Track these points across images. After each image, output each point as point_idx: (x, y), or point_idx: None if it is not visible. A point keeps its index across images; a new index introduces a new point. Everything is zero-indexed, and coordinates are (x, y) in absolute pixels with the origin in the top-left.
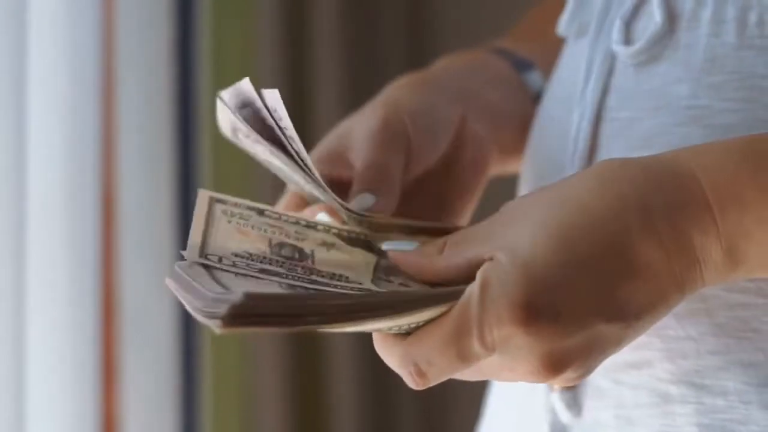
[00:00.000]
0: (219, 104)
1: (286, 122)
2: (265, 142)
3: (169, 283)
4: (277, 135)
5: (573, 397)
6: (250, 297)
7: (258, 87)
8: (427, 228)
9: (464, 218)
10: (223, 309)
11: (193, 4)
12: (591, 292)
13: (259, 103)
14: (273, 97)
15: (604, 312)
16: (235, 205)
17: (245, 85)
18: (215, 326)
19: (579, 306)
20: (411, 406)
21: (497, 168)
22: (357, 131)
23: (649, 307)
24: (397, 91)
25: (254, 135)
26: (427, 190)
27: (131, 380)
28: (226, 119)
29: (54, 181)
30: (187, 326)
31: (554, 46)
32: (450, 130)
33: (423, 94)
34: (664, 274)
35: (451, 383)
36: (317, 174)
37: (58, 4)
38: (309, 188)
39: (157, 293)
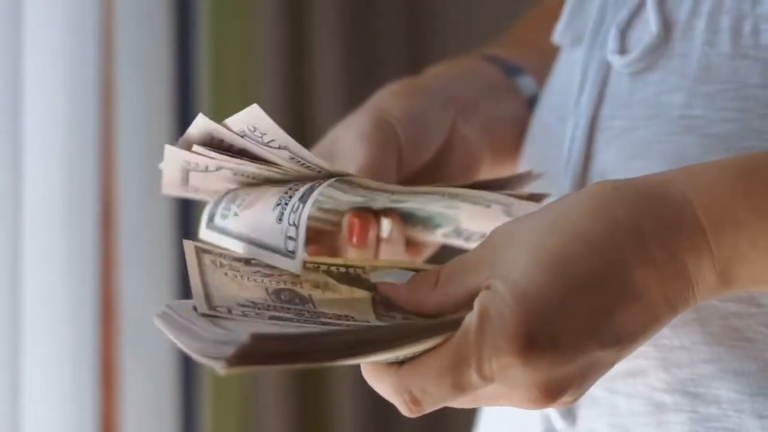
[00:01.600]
0: (166, 153)
1: (273, 134)
2: (231, 159)
3: (158, 322)
4: (257, 154)
5: (568, 407)
6: (257, 338)
7: (257, 89)
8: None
9: None
10: (227, 350)
11: (192, 6)
12: (587, 320)
13: (221, 134)
14: (255, 115)
15: (600, 339)
16: (221, 255)
17: (202, 122)
18: (218, 367)
19: (576, 334)
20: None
21: (492, 171)
22: (345, 137)
23: (643, 330)
24: (385, 99)
25: (219, 156)
26: None
27: (130, 384)
28: (174, 167)
29: (52, 184)
30: None
31: (546, 52)
32: (440, 136)
33: (411, 101)
34: (659, 298)
35: None
36: (318, 161)
37: (56, 4)
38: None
39: (156, 296)
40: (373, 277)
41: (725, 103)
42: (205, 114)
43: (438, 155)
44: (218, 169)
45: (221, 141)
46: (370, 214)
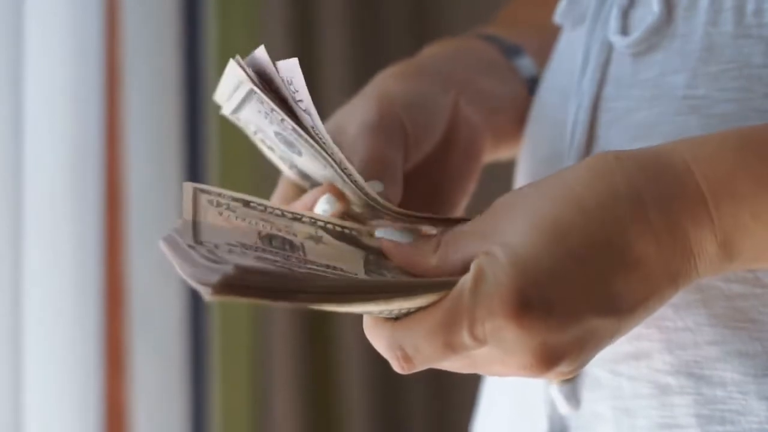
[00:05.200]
0: (231, 66)
1: (303, 94)
2: (278, 110)
3: (162, 245)
4: (292, 108)
5: (572, 390)
6: (242, 269)
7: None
8: (431, 219)
9: (460, 205)
10: (215, 277)
11: None
12: (584, 287)
13: (273, 75)
14: (289, 67)
15: (597, 306)
16: (220, 195)
17: (260, 54)
18: (205, 293)
19: (572, 300)
20: (422, 394)
21: (491, 154)
22: (350, 126)
23: (642, 301)
24: (387, 83)
25: (268, 103)
26: (422, 179)
27: (139, 370)
28: (232, 85)
29: (57, 168)
30: (196, 315)
31: (543, 31)
32: (444, 118)
33: (414, 84)
34: (658, 268)
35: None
36: (331, 144)
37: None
38: (316, 166)
39: (165, 281)
40: (377, 233)
41: (728, 83)
42: (213, 102)
43: (443, 137)
44: (266, 112)
45: (271, 81)
46: None
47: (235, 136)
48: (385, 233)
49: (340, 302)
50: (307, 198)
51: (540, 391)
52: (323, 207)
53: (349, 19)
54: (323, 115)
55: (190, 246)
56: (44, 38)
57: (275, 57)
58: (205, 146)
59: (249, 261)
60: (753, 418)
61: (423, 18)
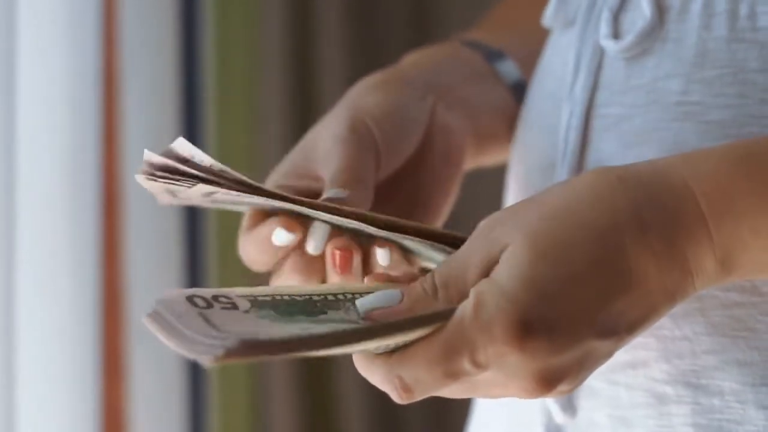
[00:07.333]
0: (143, 180)
1: (208, 160)
2: (220, 189)
3: (147, 322)
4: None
5: (568, 399)
6: (245, 344)
7: (262, 85)
8: (394, 223)
9: (443, 212)
10: (216, 351)
11: None
12: (585, 308)
13: (175, 161)
14: (183, 145)
15: (597, 328)
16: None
17: (152, 154)
18: (204, 362)
19: (572, 323)
20: (421, 401)
21: (477, 159)
22: (321, 141)
23: (640, 319)
24: (359, 95)
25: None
26: (401, 188)
27: (138, 375)
28: (158, 188)
29: (54, 172)
30: None
31: (530, 33)
32: (420, 126)
33: (387, 94)
34: (657, 287)
35: None
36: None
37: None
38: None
39: (163, 284)
40: (360, 307)
41: (723, 88)
42: (211, 106)
43: (420, 146)
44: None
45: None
46: (353, 243)
47: (233, 136)
48: (366, 303)
49: (340, 347)
50: (263, 230)
51: (535, 400)
52: (279, 238)
53: (349, 19)
54: (322, 115)
55: (178, 315)
56: (40, 37)
57: (275, 57)
58: (204, 147)
59: (250, 324)
60: (751, 428)
61: (423, 18)
